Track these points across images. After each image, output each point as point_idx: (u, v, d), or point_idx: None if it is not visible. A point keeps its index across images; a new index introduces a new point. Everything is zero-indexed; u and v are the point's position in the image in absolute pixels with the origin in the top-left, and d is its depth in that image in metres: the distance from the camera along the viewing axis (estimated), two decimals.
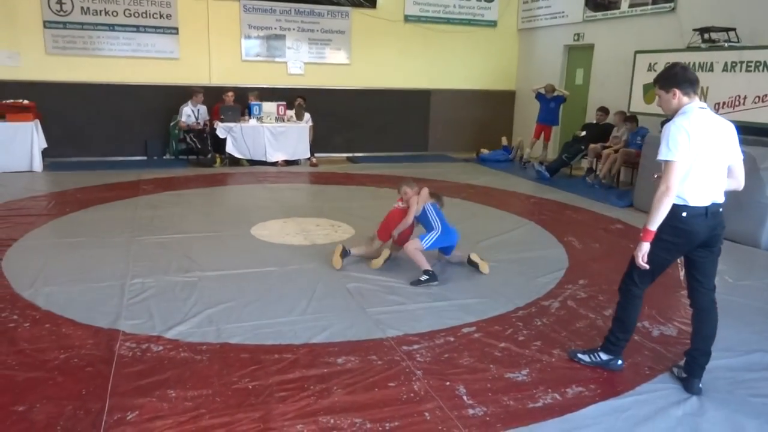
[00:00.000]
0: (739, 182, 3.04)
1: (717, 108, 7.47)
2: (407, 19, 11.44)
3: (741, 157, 3.01)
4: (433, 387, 3.05)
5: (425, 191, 4.98)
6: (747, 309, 4.22)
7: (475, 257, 4.86)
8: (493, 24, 12.03)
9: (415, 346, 3.50)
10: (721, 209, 2.97)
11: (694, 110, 2.89)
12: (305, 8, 10.78)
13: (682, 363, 3.21)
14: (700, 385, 3.07)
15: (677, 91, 2.93)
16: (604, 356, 3.30)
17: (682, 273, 4.20)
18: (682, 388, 3.11)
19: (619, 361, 3.28)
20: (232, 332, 3.60)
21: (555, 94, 10.43)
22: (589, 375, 3.24)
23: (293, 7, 10.71)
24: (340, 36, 11.08)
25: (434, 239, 4.74)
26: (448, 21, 11.70)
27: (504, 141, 11.58)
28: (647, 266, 3.00)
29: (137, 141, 10.20)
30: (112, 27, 9.78)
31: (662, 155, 2.87)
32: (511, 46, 12.28)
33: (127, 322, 3.69)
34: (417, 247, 4.67)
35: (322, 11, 10.88)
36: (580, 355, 3.38)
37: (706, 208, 2.90)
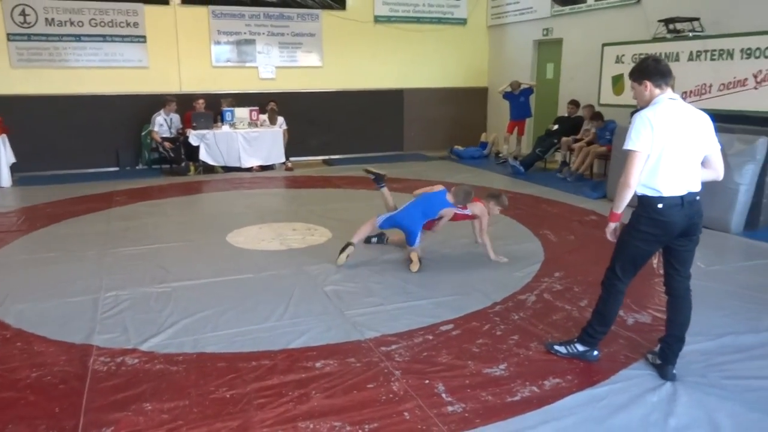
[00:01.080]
0: (717, 172, 3.06)
1: (684, 97, 7.59)
2: (377, 19, 11.45)
3: (718, 147, 3.02)
4: (411, 386, 3.05)
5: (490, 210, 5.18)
6: (718, 293, 4.30)
7: (412, 255, 4.90)
8: (462, 22, 12.09)
9: (394, 347, 3.50)
10: (698, 197, 2.99)
11: (663, 102, 2.92)
12: (274, 12, 10.73)
13: (656, 349, 3.26)
14: (674, 371, 3.12)
15: (648, 83, 2.96)
16: (580, 347, 3.33)
17: (655, 261, 4.27)
18: (656, 374, 3.15)
19: (595, 352, 3.32)
20: (208, 341, 3.57)
21: (521, 87, 10.50)
22: (566, 366, 3.27)
23: (262, 11, 10.65)
24: (310, 39, 11.05)
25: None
26: (418, 20, 11.74)
27: (483, 137, 11.68)
28: (614, 240, 3.10)
29: (109, 152, 10.06)
30: (78, 37, 9.64)
31: (625, 145, 2.92)
32: (482, 43, 12.36)
33: (101, 336, 3.63)
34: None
35: (291, 14, 10.84)
36: (556, 347, 3.41)
37: (682, 197, 2.92)
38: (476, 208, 5.09)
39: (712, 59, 7.24)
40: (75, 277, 4.72)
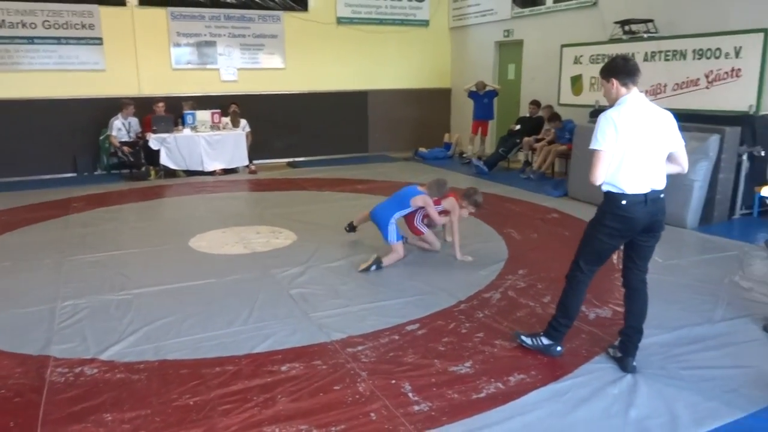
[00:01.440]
0: (682, 167, 3.16)
1: None
2: (340, 21, 11.43)
3: (682, 143, 3.11)
4: (378, 387, 3.05)
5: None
6: (675, 287, 4.42)
7: (374, 257, 4.92)
8: (425, 23, 12.16)
9: (360, 347, 3.50)
10: (662, 195, 3.08)
11: (628, 102, 3.00)
12: (235, 13, 10.61)
13: (616, 343, 3.33)
14: (634, 363, 3.19)
15: (615, 81, 3.03)
16: (545, 341, 3.38)
17: (615, 257, 4.36)
18: (617, 367, 3.22)
19: (559, 348, 3.37)
20: (171, 348, 3.50)
21: (486, 89, 10.63)
22: (530, 362, 3.31)
23: (222, 12, 10.52)
24: (272, 40, 10.97)
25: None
26: (380, 22, 11.76)
27: (447, 138, 11.78)
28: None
29: (66, 157, 9.79)
30: (31, 40, 9.35)
31: (590, 144, 3.00)
32: (444, 44, 12.45)
33: (59, 347, 3.53)
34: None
35: (252, 16, 10.73)
36: (523, 337, 3.46)
37: (645, 195, 3.01)
38: (447, 202, 5.14)
39: (666, 60, 7.44)
40: (30, 286, 4.58)
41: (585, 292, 3.31)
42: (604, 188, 3.06)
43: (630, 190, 2.99)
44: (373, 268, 4.82)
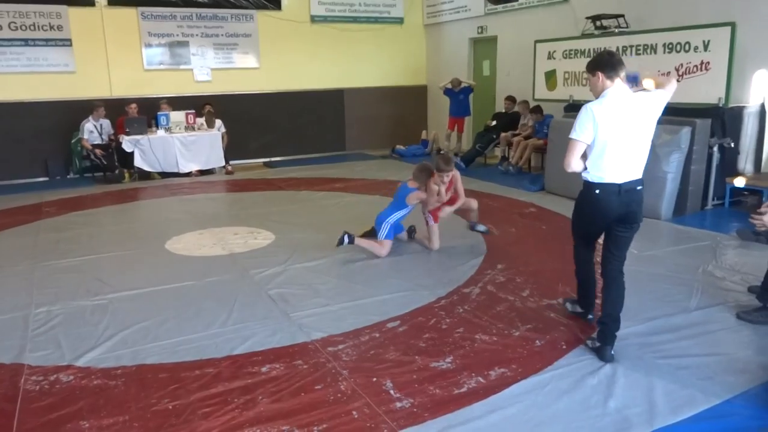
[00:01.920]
0: None
1: None
2: (314, 19, 11.37)
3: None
4: (360, 385, 3.04)
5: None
6: (651, 277, 4.49)
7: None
8: (399, 21, 12.16)
9: (341, 346, 3.48)
10: (639, 187, 3.17)
11: (609, 95, 3.08)
12: (207, 13, 10.49)
13: (594, 334, 3.37)
14: (612, 352, 3.23)
15: (600, 74, 3.12)
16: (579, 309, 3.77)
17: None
18: (596, 357, 3.26)
19: (590, 316, 3.71)
20: (149, 353, 3.45)
21: (462, 86, 10.67)
22: (510, 356, 3.33)
23: (194, 12, 10.40)
24: (246, 39, 10.87)
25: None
26: (355, 20, 11.73)
27: (423, 135, 11.81)
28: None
29: (37, 161, 9.59)
30: None
31: (570, 133, 3.12)
32: (419, 41, 12.47)
33: (33, 355, 3.45)
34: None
35: (225, 15, 10.62)
36: (567, 304, 3.89)
37: (620, 185, 3.10)
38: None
39: (637, 54, 7.54)
40: (2, 293, 4.47)
41: (591, 264, 3.61)
42: (583, 176, 3.22)
43: (606, 179, 3.11)
44: (346, 240, 5.00)
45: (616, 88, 3.09)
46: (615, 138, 3.03)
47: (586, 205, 3.27)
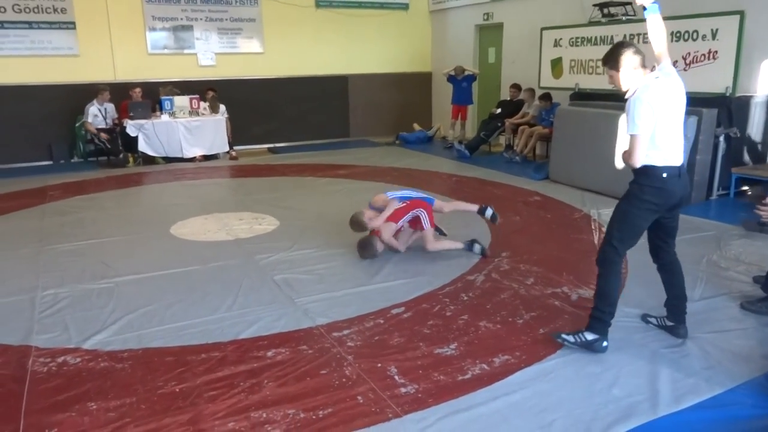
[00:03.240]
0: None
1: None
2: (318, 4, 11.29)
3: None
4: (364, 370, 3.06)
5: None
6: (655, 267, 4.47)
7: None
8: (404, 7, 12.07)
9: (346, 332, 3.50)
10: (685, 169, 3.20)
11: (650, 79, 3.00)
12: None
13: (664, 314, 3.46)
14: (686, 328, 3.36)
15: (638, 65, 3.02)
16: (589, 336, 3.21)
17: (596, 239, 4.39)
18: (670, 335, 3.36)
19: (605, 343, 3.20)
20: (154, 336, 3.47)
21: (465, 73, 10.59)
22: (514, 343, 3.35)
23: None
24: (250, 24, 10.81)
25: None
26: (360, 5, 11.64)
27: (416, 126, 11.72)
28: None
29: (41, 145, 9.59)
30: (0, 24, 9.09)
31: (629, 130, 3.00)
32: (424, 27, 12.38)
33: (40, 337, 3.48)
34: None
35: None
36: (564, 336, 3.28)
37: (679, 168, 3.11)
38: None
39: (645, 42, 7.48)
40: (8, 276, 4.50)
41: (621, 275, 3.28)
42: (644, 165, 3.06)
43: (669, 162, 3.05)
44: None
45: (649, 72, 3.05)
46: (667, 120, 3.01)
47: (650, 193, 3.05)
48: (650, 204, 3.10)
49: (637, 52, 3.06)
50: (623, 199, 3.21)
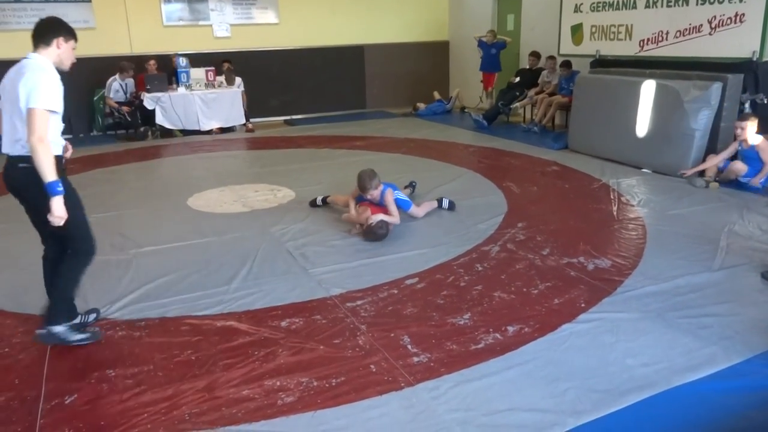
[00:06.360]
0: None
1: (642, 45, 7.63)
2: None
3: None
4: (377, 340, 3.07)
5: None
6: (676, 236, 4.41)
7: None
8: None
9: (359, 302, 3.51)
10: None
11: None
12: None
13: None
14: None
15: None
16: None
17: (615, 208, 4.32)
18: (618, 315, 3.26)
19: None
20: (171, 306, 3.52)
21: (496, 40, 10.36)
22: (528, 313, 3.33)
23: None
24: None
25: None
26: None
27: (436, 95, 11.56)
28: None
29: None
30: None
31: None
32: None
33: None
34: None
35: None
36: None
37: None
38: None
39: (668, 6, 7.26)
40: (28, 247, 4.52)
41: None
42: None
43: None
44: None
45: None
46: None
47: None
48: None
49: None
50: None
